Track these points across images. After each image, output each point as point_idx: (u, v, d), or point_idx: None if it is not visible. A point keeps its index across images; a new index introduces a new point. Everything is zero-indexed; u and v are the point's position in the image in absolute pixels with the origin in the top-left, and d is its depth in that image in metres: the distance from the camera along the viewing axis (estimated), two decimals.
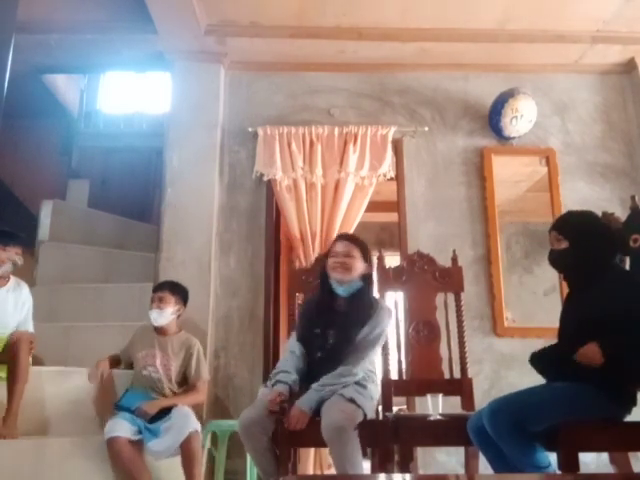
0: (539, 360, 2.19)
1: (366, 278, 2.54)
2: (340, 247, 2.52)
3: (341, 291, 2.50)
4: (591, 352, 2.00)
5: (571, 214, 2.38)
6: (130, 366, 3.01)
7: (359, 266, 2.49)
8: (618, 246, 2.23)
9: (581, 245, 2.21)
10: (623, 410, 2.08)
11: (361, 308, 2.46)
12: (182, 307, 3.06)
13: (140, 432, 2.69)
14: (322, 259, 2.65)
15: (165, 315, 2.96)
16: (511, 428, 1.98)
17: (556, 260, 2.30)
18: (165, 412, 2.74)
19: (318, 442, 2.23)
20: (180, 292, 3.06)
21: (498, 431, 2.00)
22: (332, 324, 2.44)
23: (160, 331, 3.00)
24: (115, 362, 3.03)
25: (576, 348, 2.05)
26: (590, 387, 2.02)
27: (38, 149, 5.37)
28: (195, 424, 2.67)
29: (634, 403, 2.09)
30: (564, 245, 2.24)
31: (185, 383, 2.95)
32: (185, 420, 2.67)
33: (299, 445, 2.57)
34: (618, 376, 2.04)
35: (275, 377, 2.40)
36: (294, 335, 2.54)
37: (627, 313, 2.03)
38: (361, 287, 2.51)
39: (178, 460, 2.64)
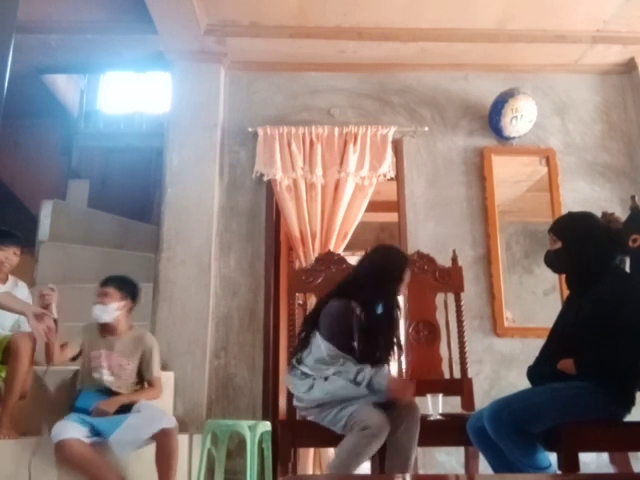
0: (533, 378, 2.26)
1: None
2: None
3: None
4: (567, 367, 2.09)
5: (569, 215, 2.39)
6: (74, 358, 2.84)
7: None
8: (617, 249, 2.23)
9: (574, 246, 2.22)
10: (623, 410, 2.09)
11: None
12: (130, 302, 2.90)
13: (93, 434, 2.54)
14: (392, 281, 2.49)
15: (109, 311, 2.80)
16: (512, 429, 1.98)
17: (551, 261, 2.32)
18: (124, 410, 2.65)
19: (318, 442, 2.24)
20: (127, 287, 2.90)
21: (499, 432, 2.01)
22: (361, 338, 2.44)
23: (108, 329, 2.85)
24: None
25: (565, 353, 2.11)
26: (590, 387, 2.02)
27: (38, 149, 5.37)
28: (172, 419, 2.60)
29: (634, 403, 2.09)
30: (558, 246, 2.25)
31: (140, 380, 2.86)
32: (158, 413, 2.60)
33: (299, 445, 2.58)
34: (617, 376, 2.04)
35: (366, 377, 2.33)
36: (334, 348, 2.36)
37: (618, 316, 2.03)
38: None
39: (145, 457, 2.56)
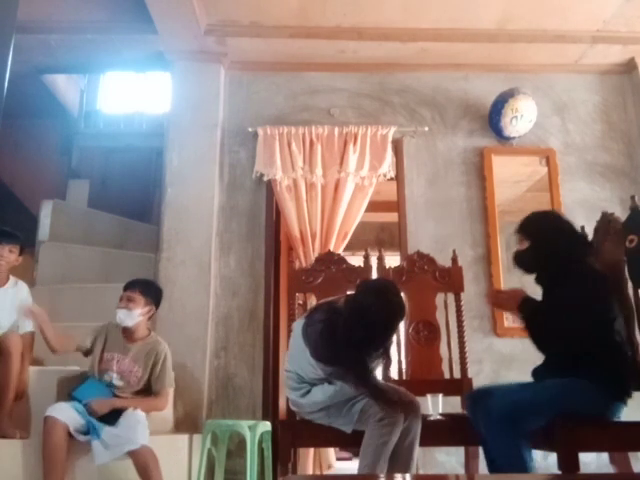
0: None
1: None
2: None
3: None
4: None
5: (533, 215, 2.39)
6: (85, 353, 2.84)
7: None
8: (585, 246, 2.25)
9: (541, 244, 2.23)
10: (615, 402, 2.06)
11: None
12: (153, 308, 2.89)
13: (86, 432, 2.51)
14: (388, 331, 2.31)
15: (133, 316, 2.78)
16: (504, 426, 1.98)
17: (521, 260, 2.32)
18: (117, 413, 2.61)
19: (318, 442, 2.23)
20: (152, 293, 2.89)
21: (489, 429, 2.02)
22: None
23: (127, 333, 2.83)
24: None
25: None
26: (579, 382, 2.01)
27: (38, 149, 5.36)
28: (143, 438, 2.51)
29: (627, 394, 2.08)
30: (526, 245, 2.26)
31: (148, 388, 2.82)
32: (133, 433, 2.51)
33: (299, 445, 2.58)
34: (607, 369, 2.03)
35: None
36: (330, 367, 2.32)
37: (583, 317, 2.03)
38: None
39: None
